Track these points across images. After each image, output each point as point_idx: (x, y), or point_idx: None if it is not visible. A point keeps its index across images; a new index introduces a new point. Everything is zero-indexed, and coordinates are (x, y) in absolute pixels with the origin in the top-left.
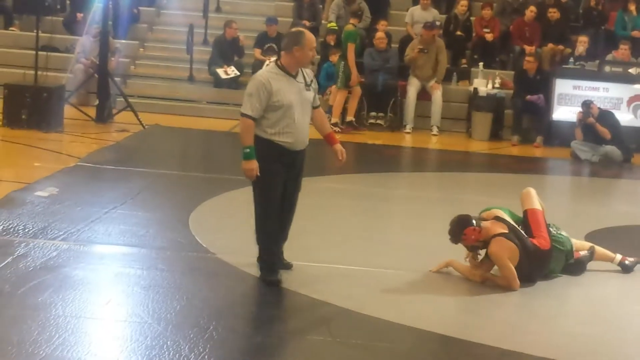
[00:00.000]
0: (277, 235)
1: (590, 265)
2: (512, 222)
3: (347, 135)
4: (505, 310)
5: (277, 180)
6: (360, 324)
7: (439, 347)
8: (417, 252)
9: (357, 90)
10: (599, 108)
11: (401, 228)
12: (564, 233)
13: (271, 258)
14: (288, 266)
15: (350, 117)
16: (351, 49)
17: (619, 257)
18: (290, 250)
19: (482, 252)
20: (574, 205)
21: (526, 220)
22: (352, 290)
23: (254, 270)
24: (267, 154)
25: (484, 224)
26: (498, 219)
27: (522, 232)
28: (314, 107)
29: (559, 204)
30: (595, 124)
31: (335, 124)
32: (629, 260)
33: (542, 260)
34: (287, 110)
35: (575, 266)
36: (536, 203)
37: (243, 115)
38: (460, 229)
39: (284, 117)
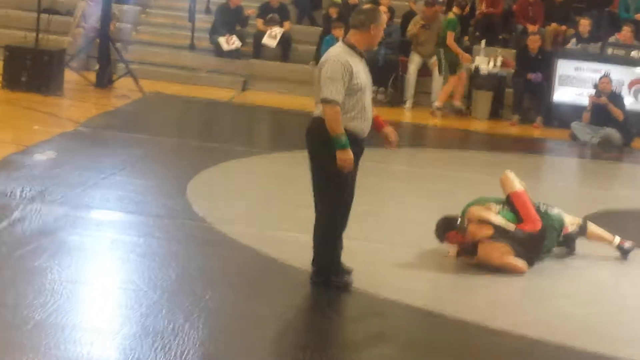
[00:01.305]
0: (340, 240)
1: (587, 247)
2: (498, 220)
3: None
4: (499, 289)
5: (349, 175)
6: (353, 298)
7: (430, 324)
8: (413, 228)
9: (463, 75)
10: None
11: (397, 203)
12: (555, 210)
13: (330, 265)
14: (349, 271)
15: (457, 102)
16: (450, 36)
17: (617, 239)
18: (287, 222)
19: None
20: (572, 186)
21: (512, 205)
22: (347, 265)
23: (250, 241)
24: None
25: (469, 227)
26: (482, 221)
27: (510, 226)
28: None
29: (557, 185)
30: (609, 104)
31: (438, 109)
32: (627, 244)
33: (536, 242)
34: (362, 93)
35: (563, 242)
36: (517, 185)
37: (329, 101)
38: (442, 232)
39: (358, 100)
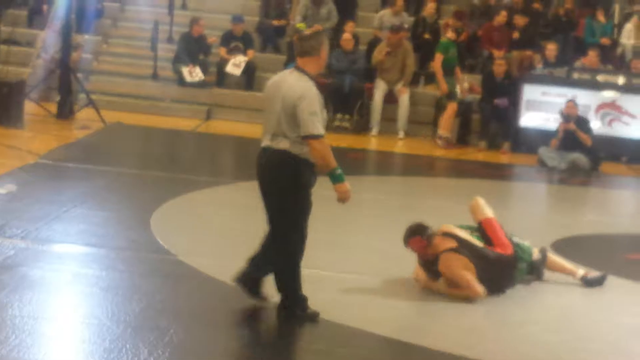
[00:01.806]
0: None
1: (556, 274)
2: (465, 236)
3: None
4: (470, 317)
5: (310, 206)
6: (321, 330)
7: (400, 354)
8: (380, 257)
9: (452, 106)
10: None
11: (363, 232)
12: (526, 243)
13: (297, 297)
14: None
15: (446, 133)
16: (438, 59)
17: (581, 272)
18: (253, 253)
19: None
20: (540, 212)
21: (483, 232)
22: (314, 295)
23: (215, 273)
24: (308, 179)
25: (435, 239)
26: (446, 234)
27: (477, 243)
28: None
29: (525, 212)
30: (577, 131)
31: (440, 137)
32: (591, 276)
33: (508, 266)
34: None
35: (530, 270)
36: (488, 212)
37: (317, 136)
38: (407, 236)
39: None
